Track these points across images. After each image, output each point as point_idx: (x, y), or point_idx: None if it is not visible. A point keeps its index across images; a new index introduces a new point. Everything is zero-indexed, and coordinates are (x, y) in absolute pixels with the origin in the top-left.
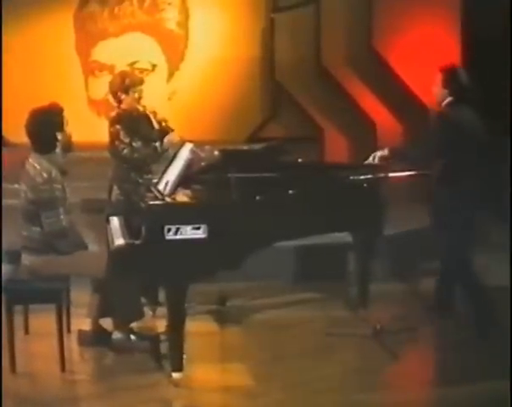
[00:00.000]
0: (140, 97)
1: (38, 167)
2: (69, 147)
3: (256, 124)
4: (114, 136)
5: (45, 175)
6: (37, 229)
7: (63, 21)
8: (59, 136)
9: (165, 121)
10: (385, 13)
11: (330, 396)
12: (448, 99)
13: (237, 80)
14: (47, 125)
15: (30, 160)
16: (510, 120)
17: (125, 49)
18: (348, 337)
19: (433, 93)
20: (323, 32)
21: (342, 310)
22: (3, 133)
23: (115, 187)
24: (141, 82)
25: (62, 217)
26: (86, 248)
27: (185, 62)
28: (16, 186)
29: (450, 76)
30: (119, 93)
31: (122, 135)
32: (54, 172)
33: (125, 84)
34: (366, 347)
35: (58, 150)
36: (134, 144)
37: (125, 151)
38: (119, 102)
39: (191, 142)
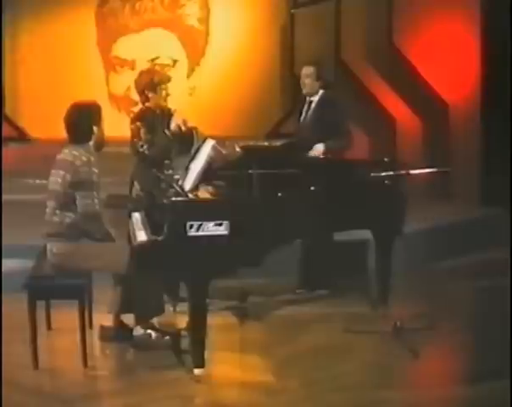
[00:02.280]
0: (167, 95)
1: (77, 153)
2: (101, 143)
3: (276, 120)
4: (134, 133)
5: (84, 158)
6: (70, 214)
7: (84, 17)
8: (95, 130)
9: (186, 122)
10: (405, 10)
11: (349, 393)
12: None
13: (258, 75)
14: (85, 117)
15: (66, 151)
16: (510, 118)
17: (145, 45)
18: (368, 334)
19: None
20: (343, 28)
21: (363, 307)
22: (24, 127)
23: (136, 183)
24: (169, 80)
25: (96, 201)
26: (113, 240)
27: (205, 58)
28: (37, 181)
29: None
30: (146, 91)
31: (143, 132)
32: (92, 158)
33: (154, 82)
34: (386, 344)
35: (91, 143)
36: (154, 141)
37: (144, 148)
38: (146, 99)
39: (211, 137)
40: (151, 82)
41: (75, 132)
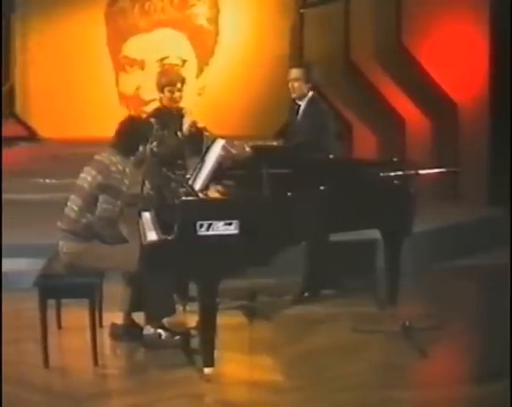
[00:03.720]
0: (181, 96)
1: (114, 160)
2: (141, 162)
3: (285, 119)
4: None
5: (120, 167)
6: (88, 215)
7: (94, 17)
8: (140, 148)
9: (196, 123)
10: (414, 10)
11: (357, 392)
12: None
13: (266, 75)
14: (136, 133)
15: (105, 154)
16: (510, 120)
17: (155, 45)
18: (377, 333)
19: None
20: (352, 28)
21: (371, 307)
22: (35, 127)
23: (146, 182)
24: (184, 80)
25: (117, 209)
26: (126, 241)
27: (214, 57)
28: (47, 180)
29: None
30: (164, 89)
31: (154, 129)
32: (128, 170)
33: (173, 80)
34: (394, 344)
35: (132, 158)
36: (163, 140)
37: (153, 144)
38: (165, 98)
39: (220, 137)
40: (172, 80)
41: (121, 143)
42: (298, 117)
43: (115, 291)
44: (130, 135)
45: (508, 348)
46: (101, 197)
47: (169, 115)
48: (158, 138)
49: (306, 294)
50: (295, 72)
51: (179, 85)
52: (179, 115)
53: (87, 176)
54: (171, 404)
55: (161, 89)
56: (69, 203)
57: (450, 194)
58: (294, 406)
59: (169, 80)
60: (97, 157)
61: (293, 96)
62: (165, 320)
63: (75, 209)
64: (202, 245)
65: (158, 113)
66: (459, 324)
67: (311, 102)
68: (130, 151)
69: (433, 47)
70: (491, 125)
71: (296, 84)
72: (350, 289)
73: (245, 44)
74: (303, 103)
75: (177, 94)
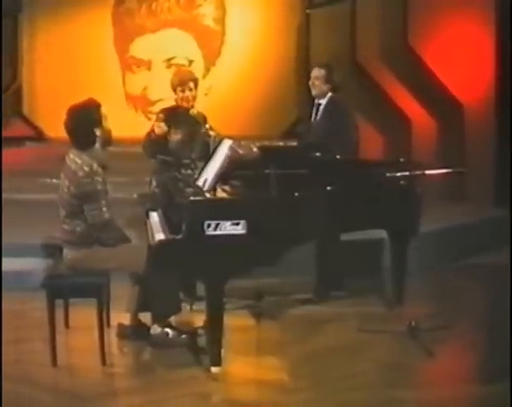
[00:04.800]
0: (195, 97)
1: (79, 161)
2: (108, 141)
3: (291, 120)
4: (152, 126)
5: (86, 168)
6: (80, 222)
7: (101, 18)
8: (98, 132)
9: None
10: (420, 11)
11: (364, 392)
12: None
13: (273, 75)
14: (84, 123)
15: (71, 156)
16: (510, 120)
17: (162, 45)
18: (383, 333)
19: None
20: (358, 29)
21: (377, 307)
22: (41, 127)
23: (153, 180)
24: (196, 80)
25: (104, 209)
26: (129, 241)
27: (221, 57)
28: (54, 180)
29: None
30: (177, 89)
31: (159, 126)
32: (95, 166)
33: (183, 80)
34: (401, 344)
35: (97, 145)
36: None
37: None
38: (180, 98)
39: (227, 137)
40: (185, 82)
41: (76, 139)
42: (318, 116)
43: (122, 291)
44: (80, 127)
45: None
46: (84, 207)
47: (179, 115)
48: (166, 137)
49: (312, 296)
50: (316, 71)
51: (191, 84)
52: (189, 115)
53: (63, 187)
54: (178, 403)
55: (174, 89)
56: (60, 214)
57: (456, 194)
58: (300, 406)
59: (180, 79)
60: (66, 160)
61: (313, 94)
62: (172, 320)
63: (66, 220)
64: (209, 245)
65: (166, 112)
66: (464, 324)
67: (331, 101)
68: (89, 142)
69: (439, 48)
70: (496, 126)
71: (316, 82)
72: (356, 289)
73: (251, 44)
74: (323, 103)
75: (189, 93)
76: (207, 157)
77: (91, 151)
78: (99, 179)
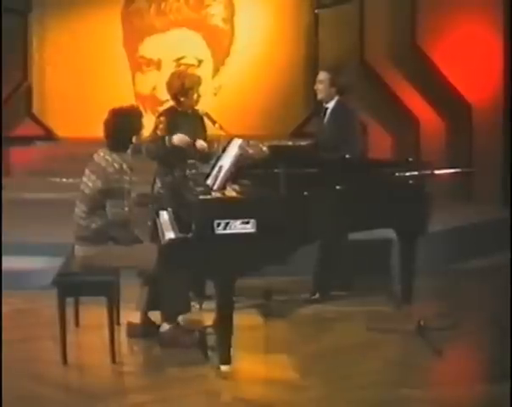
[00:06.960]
0: (198, 97)
1: (110, 159)
2: (139, 151)
3: (300, 119)
4: (155, 127)
5: (116, 165)
6: (96, 219)
7: (111, 18)
8: (134, 139)
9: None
10: (429, 11)
11: (372, 391)
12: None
13: (282, 75)
14: (126, 129)
15: (101, 154)
16: (510, 119)
17: (171, 45)
18: (392, 332)
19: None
20: (367, 29)
21: (386, 306)
22: (51, 127)
23: (157, 180)
24: (200, 83)
25: (126, 209)
26: (141, 242)
27: (230, 57)
28: (64, 179)
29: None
30: (178, 96)
31: (161, 128)
32: (125, 166)
33: (185, 87)
34: (409, 343)
35: (129, 151)
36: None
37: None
38: (179, 104)
39: (236, 136)
40: (182, 87)
41: (113, 141)
42: (325, 119)
43: (131, 290)
44: (120, 130)
45: None
46: (107, 203)
47: (183, 115)
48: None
49: (317, 296)
50: (320, 75)
51: (197, 88)
52: (194, 115)
53: (88, 182)
54: (188, 401)
55: (185, 94)
56: (76, 210)
57: (464, 195)
58: (309, 404)
59: (192, 83)
60: (95, 157)
61: (318, 98)
62: (181, 318)
63: (83, 215)
64: (219, 244)
65: (171, 112)
66: (473, 323)
67: (338, 105)
68: (125, 145)
69: (448, 48)
70: (505, 126)
71: (320, 86)
72: (365, 288)
73: (260, 44)
74: (330, 106)
75: (196, 96)
76: (208, 158)
77: (122, 154)
78: (127, 178)
